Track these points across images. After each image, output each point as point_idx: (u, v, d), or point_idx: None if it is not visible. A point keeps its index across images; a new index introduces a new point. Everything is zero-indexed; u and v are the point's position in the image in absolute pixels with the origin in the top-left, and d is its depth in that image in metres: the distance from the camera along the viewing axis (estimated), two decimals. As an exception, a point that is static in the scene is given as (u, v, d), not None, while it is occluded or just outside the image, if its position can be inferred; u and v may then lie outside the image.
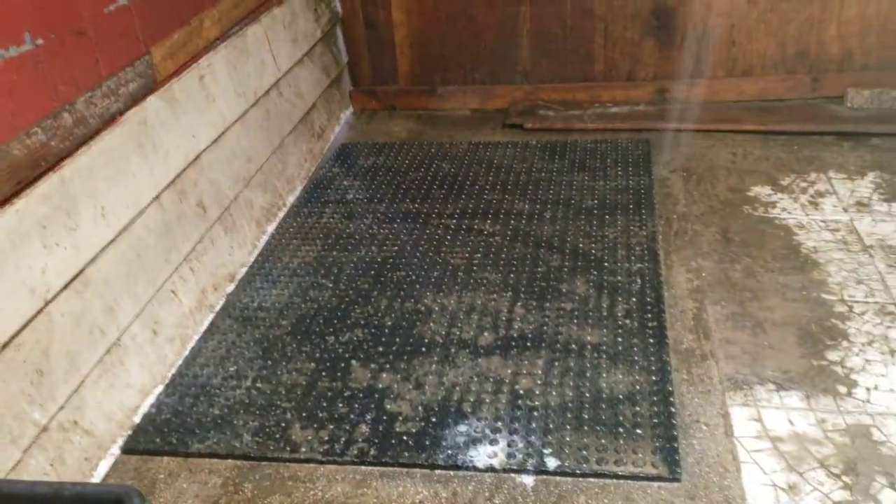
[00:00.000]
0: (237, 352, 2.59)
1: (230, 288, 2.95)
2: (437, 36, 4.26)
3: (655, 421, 2.18)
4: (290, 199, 3.59)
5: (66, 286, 2.14)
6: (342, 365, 2.50)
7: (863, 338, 2.47)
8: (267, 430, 2.26)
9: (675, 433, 2.14)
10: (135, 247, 2.46)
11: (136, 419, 2.34)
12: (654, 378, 2.34)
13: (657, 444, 2.11)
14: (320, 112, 4.11)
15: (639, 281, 2.80)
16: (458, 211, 3.37)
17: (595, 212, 3.27)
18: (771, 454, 2.08)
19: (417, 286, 2.87)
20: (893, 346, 2.42)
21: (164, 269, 2.60)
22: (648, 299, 2.69)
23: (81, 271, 2.21)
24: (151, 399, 2.42)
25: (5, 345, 1.92)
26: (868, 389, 2.27)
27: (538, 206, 3.35)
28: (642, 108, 4.17)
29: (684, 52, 4.10)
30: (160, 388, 2.46)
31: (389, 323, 2.68)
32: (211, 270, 2.88)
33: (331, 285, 2.92)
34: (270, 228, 3.35)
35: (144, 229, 2.51)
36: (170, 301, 2.62)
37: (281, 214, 3.46)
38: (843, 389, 2.27)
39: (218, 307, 2.84)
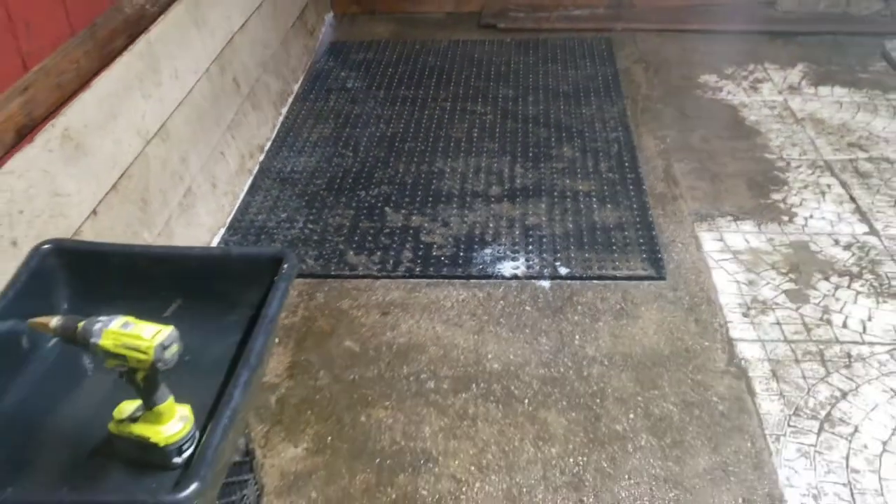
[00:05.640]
0: (283, 203, 3.02)
1: (261, 157, 3.35)
2: (415, -57, 4.63)
3: (641, 241, 2.74)
4: (296, 87, 3.96)
5: (156, 133, 2.52)
6: (377, 211, 2.96)
7: (799, 184, 3.07)
8: (325, 256, 2.72)
9: (657, 248, 2.70)
10: (196, 109, 2.83)
11: (211, 251, 2.75)
12: (636, 213, 2.89)
13: (645, 256, 2.66)
14: (311, 11, 4.45)
15: (616, 146, 3.33)
16: (450, 96, 3.82)
17: (571, 95, 3.78)
18: (733, 261, 2.66)
19: (428, 154, 3.33)
20: (823, 189, 3.03)
21: (216, 132, 2.99)
22: (625, 159, 3.23)
23: (164, 123, 2.59)
24: (218, 237, 2.83)
25: (123, 173, 2.31)
26: (805, 218, 2.87)
27: (521, 91, 3.83)
28: (602, 11, 4.67)
29: (639, -39, 4.59)
30: (223, 230, 2.88)
31: (410, 181, 3.15)
32: (246, 140, 3.27)
33: (351, 154, 3.35)
34: (284, 110, 3.74)
35: (200, 95, 2.89)
36: (221, 161, 3.01)
37: (290, 99, 3.85)
38: (785, 218, 2.87)
39: (255, 171, 3.25)
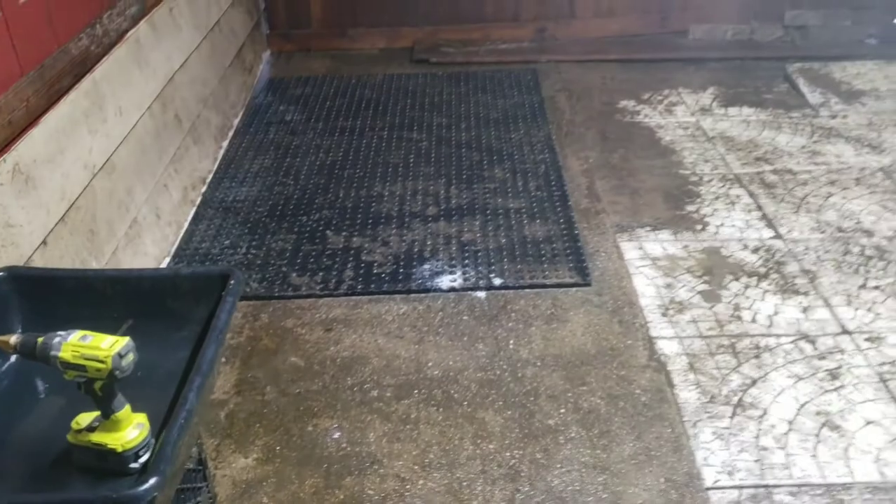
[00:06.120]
0: (226, 231, 3.14)
1: (203, 188, 3.46)
2: (347, -18, 4.83)
3: (568, 252, 2.93)
4: (236, 122, 4.09)
5: (102, 167, 2.62)
6: (319, 234, 3.10)
7: (711, 196, 3.31)
8: (269, 279, 2.84)
9: (583, 258, 2.89)
10: (140, 143, 2.94)
11: (158, 279, 2.85)
12: (563, 227, 3.09)
13: (571, 265, 2.85)
14: (248, 50, 4.60)
15: (543, 167, 3.54)
16: (387, 125, 4.00)
17: (500, 122, 3.99)
18: (652, 267, 2.87)
19: (367, 179, 3.49)
20: (733, 200, 3.27)
21: (159, 166, 3.10)
22: (552, 178, 3.44)
23: (110, 157, 2.69)
24: (163, 266, 2.93)
25: (72, 205, 2.41)
26: (717, 226, 3.10)
27: (454, 119, 4.03)
28: (527, 45, 4.92)
29: (560, -4, 4.88)
30: (168, 258, 2.98)
31: (350, 205, 3.30)
32: (188, 173, 3.38)
33: (292, 183, 3.49)
34: (225, 144, 3.86)
35: (144, 130, 3.00)
36: (165, 193, 3.12)
37: (230, 133, 3.97)
38: (699, 227, 3.10)
39: (198, 201, 3.36)
